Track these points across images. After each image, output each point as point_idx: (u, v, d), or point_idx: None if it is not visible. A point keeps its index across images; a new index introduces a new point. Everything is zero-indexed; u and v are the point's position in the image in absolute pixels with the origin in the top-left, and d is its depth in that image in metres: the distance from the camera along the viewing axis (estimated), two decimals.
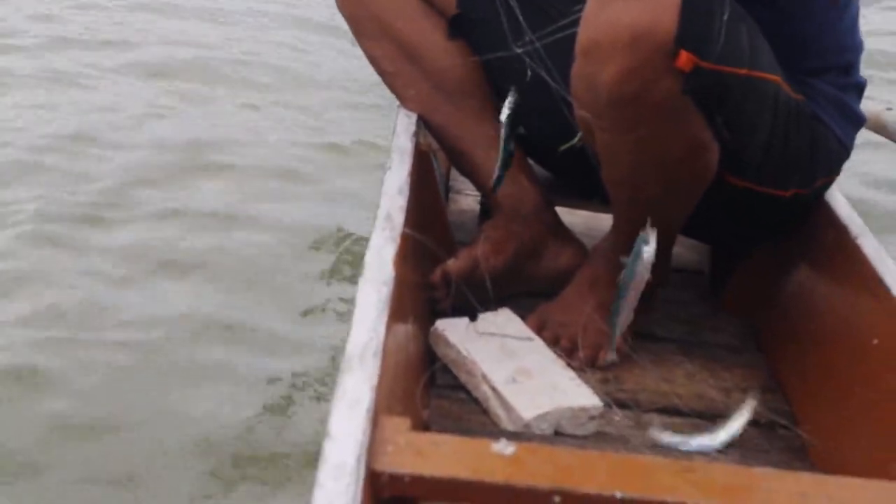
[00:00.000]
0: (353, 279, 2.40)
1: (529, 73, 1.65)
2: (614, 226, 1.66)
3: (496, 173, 1.67)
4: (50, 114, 3.60)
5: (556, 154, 1.67)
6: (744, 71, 1.43)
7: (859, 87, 1.71)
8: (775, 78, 1.52)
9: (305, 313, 2.45)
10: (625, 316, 1.54)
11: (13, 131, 3.41)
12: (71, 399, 2.08)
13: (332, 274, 2.65)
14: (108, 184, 3.05)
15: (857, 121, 1.71)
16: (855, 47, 1.70)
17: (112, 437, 1.99)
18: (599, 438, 1.46)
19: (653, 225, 1.46)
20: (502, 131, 1.63)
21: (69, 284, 2.50)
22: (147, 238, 2.74)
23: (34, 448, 1.94)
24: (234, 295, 2.51)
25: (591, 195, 1.83)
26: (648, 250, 1.46)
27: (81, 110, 3.64)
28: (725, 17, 1.39)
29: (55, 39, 4.38)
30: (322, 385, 2.13)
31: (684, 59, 1.35)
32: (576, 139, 1.58)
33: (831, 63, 1.66)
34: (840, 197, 1.73)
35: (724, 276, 1.92)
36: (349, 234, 2.83)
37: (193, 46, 4.49)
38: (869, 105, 2.13)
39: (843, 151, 1.70)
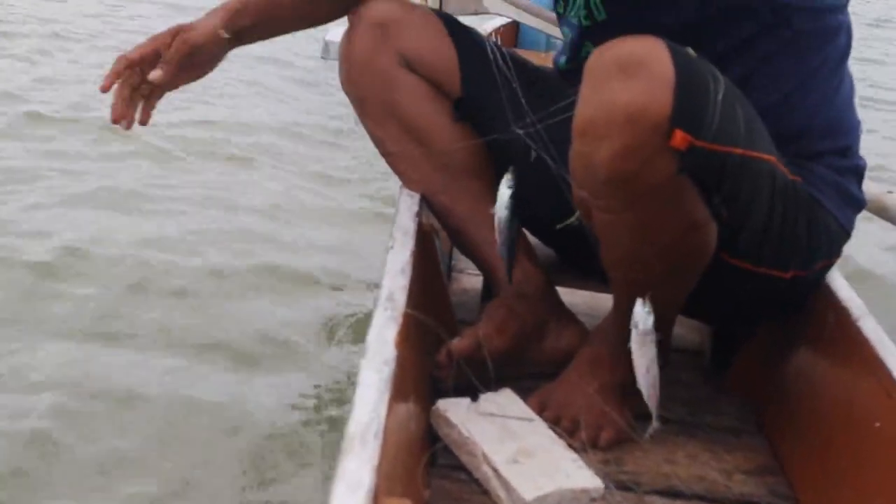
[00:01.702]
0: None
1: (533, 154, 1.67)
2: (614, 306, 1.67)
3: (506, 258, 1.66)
4: None
5: (557, 233, 1.68)
6: (739, 150, 1.44)
7: (858, 171, 1.73)
8: (771, 158, 1.53)
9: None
10: (647, 387, 1.53)
11: None
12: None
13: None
14: None
15: (857, 204, 1.73)
16: (851, 129, 1.73)
17: None
18: None
19: (652, 303, 1.47)
20: (497, 212, 1.63)
21: None
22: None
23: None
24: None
25: (592, 275, 1.84)
26: (646, 321, 1.47)
27: None
28: (720, 96, 1.40)
29: None
30: None
31: (679, 138, 1.36)
32: (573, 218, 1.59)
33: (828, 147, 1.67)
34: (840, 279, 1.74)
35: (725, 357, 1.92)
36: None
37: None
38: (871, 188, 2.15)
39: (844, 234, 1.71)
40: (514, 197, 1.61)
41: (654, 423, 1.55)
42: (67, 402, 2.23)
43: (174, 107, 4.54)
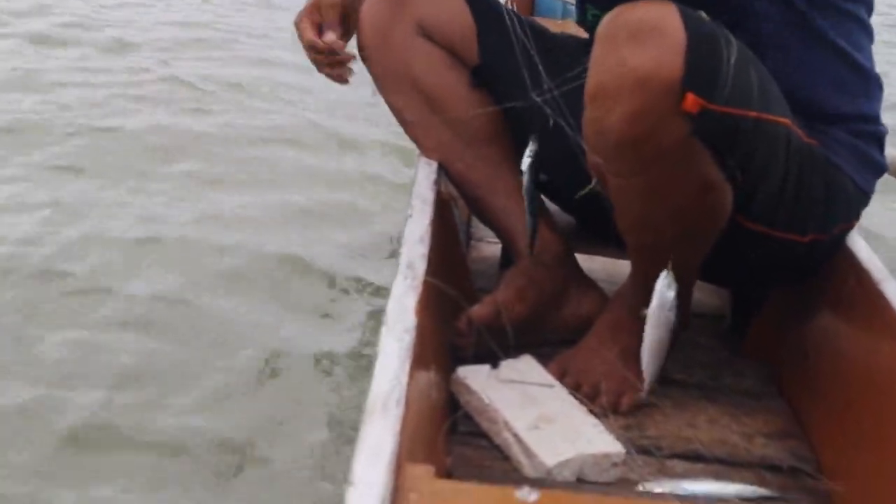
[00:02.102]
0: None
1: (550, 121, 1.67)
2: (632, 271, 1.67)
3: (528, 227, 1.69)
4: None
5: (575, 200, 1.68)
6: (753, 113, 1.43)
7: (878, 136, 1.71)
8: (785, 121, 1.53)
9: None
10: (651, 359, 1.55)
11: None
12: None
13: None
14: None
15: (877, 167, 1.71)
16: (869, 96, 1.71)
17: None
18: (622, 485, 1.45)
19: (670, 268, 1.47)
20: (524, 180, 1.65)
21: None
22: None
23: None
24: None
25: (610, 241, 1.84)
26: (666, 294, 1.47)
27: None
28: (733, 59, 1.39)
29: None
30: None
31: (691, 101, 1.35)
32: (592, 185, 1.59)
33: (842, 112, 1.66)
34: (861, 241, 1.73)
35: (745, 320, 1.92)
36: None
37: None
38: (892, 152, 2.13)
39: (863, 197, 1.70)
40: (533, 165, 1.62)
41: (644, 396, 1.59)
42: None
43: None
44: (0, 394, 2.05)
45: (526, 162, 1.65)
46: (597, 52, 1.40)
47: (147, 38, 5.14)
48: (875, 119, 1.71)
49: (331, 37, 1.77)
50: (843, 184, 1.65)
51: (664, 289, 1.48)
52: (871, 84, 1.71)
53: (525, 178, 1.67)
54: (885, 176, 1.77)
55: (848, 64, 1.67)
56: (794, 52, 1.62)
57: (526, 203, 1.69)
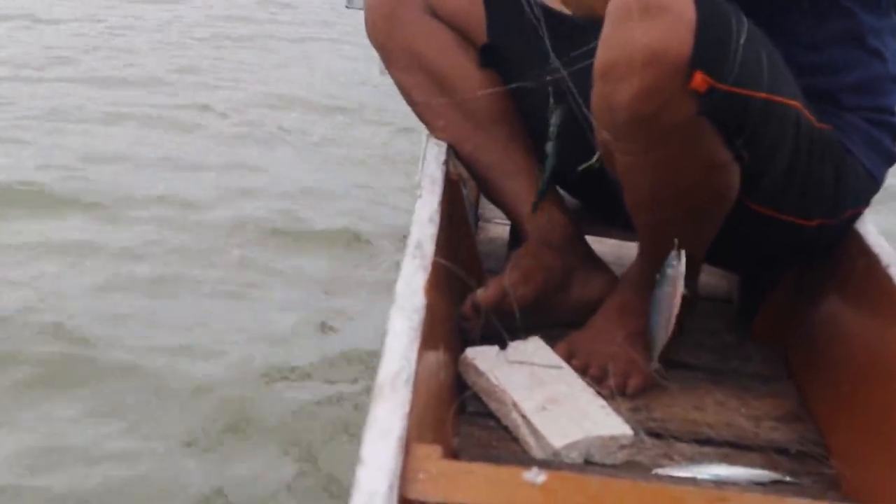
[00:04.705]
0: None
1: (554, 100, 1.67)
2: (640, 251, 1.67)
3: (540, 187, 1.72)
4: None
5: (583, 181, 1.67)
6: (762, 95, 1.43)
7: (892, 127, 1.70)
8: (796, 104, 1.52)
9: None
10: (661, 334, 1.54)
11: None
12: None
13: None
14: None
15: (889, 155, 1.71)
16: (886, 89, 1.70)
17: None
18: (630, 467, 1.45)
19: (677, 245, 1.47)
20: (549, 145, 1.70)
21: None
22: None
23: None
24: None
25: (618, 223, 1.83)
26: (676, 269, 1.47)
27: None
28: (742, 40, 1.39)
29: None
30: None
31: (699, 80, 1.35)
32: (594, 159, 1.59)
33: (858, 103, 1.65)
34: (870, 225, 1.73)
35: (753, 304, 1.92)
36: None
37: None
38: None
39: (873, 183, 1.69)
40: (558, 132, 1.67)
41: (656, 364, 1.58)
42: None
43: None
44: None
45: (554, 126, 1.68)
46: (607, 28, 1.39)
47: None
48: (890, 111, 1.70)
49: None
50: (853, 169, 1.64)
51: (672, 264, 1.48)
52: (889, 79, 1.70)
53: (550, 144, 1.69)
54: None
55: (869, 52, 1.66)
56: (817, 41, 1.61)
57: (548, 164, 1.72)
